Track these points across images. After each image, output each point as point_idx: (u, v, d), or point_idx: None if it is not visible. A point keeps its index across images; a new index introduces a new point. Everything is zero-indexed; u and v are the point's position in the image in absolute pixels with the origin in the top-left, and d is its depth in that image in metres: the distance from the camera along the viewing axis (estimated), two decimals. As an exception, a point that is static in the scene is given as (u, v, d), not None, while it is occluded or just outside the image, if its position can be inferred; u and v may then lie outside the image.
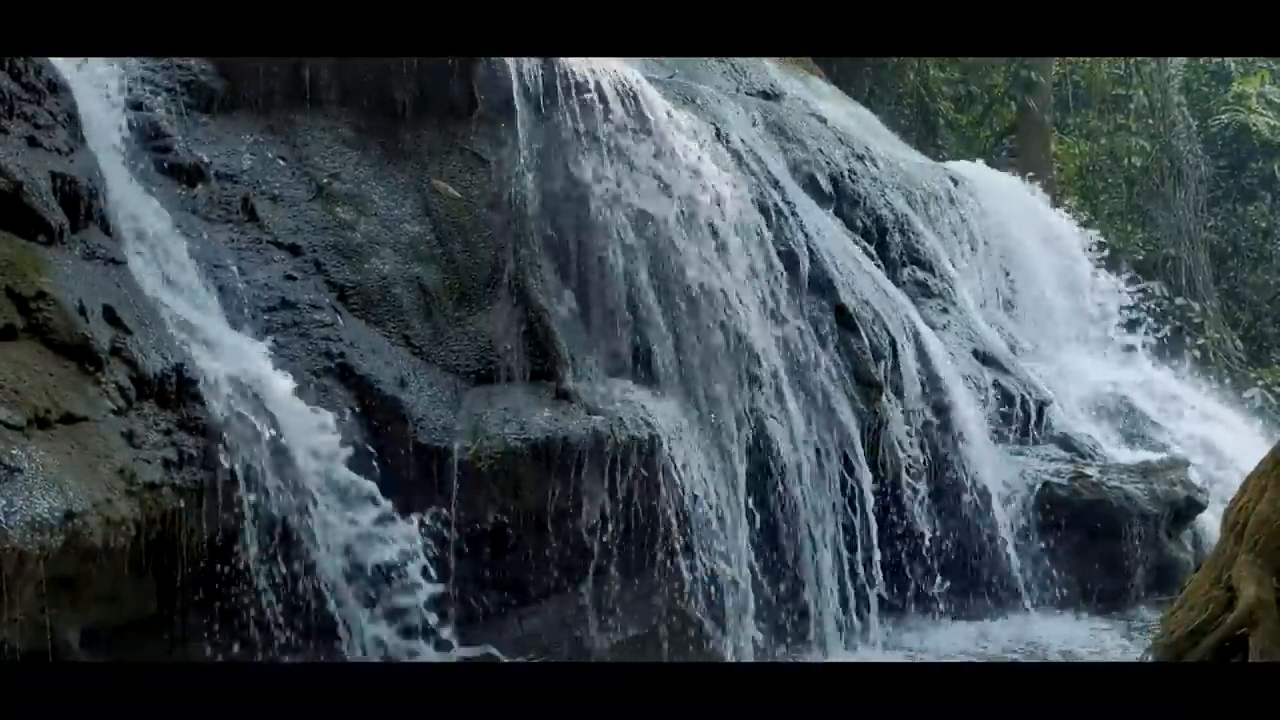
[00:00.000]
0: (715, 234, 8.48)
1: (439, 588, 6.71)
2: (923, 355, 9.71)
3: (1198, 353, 15.56)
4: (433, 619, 6.64)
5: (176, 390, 5.76)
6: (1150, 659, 6.20)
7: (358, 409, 6.82)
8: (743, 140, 9.66)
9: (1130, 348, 13.49)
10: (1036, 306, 12.92)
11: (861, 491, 8.95)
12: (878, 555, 9.12)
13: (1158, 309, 14.82)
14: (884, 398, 9.17)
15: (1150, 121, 19.19)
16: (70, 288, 5.50)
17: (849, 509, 8.89)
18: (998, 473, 9.82)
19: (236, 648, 6.05)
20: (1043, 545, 9.71)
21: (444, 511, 6.86)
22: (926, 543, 9.35)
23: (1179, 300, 16.47)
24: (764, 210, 9.11)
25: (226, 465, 5.79)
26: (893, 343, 9.40)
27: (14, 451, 4.75)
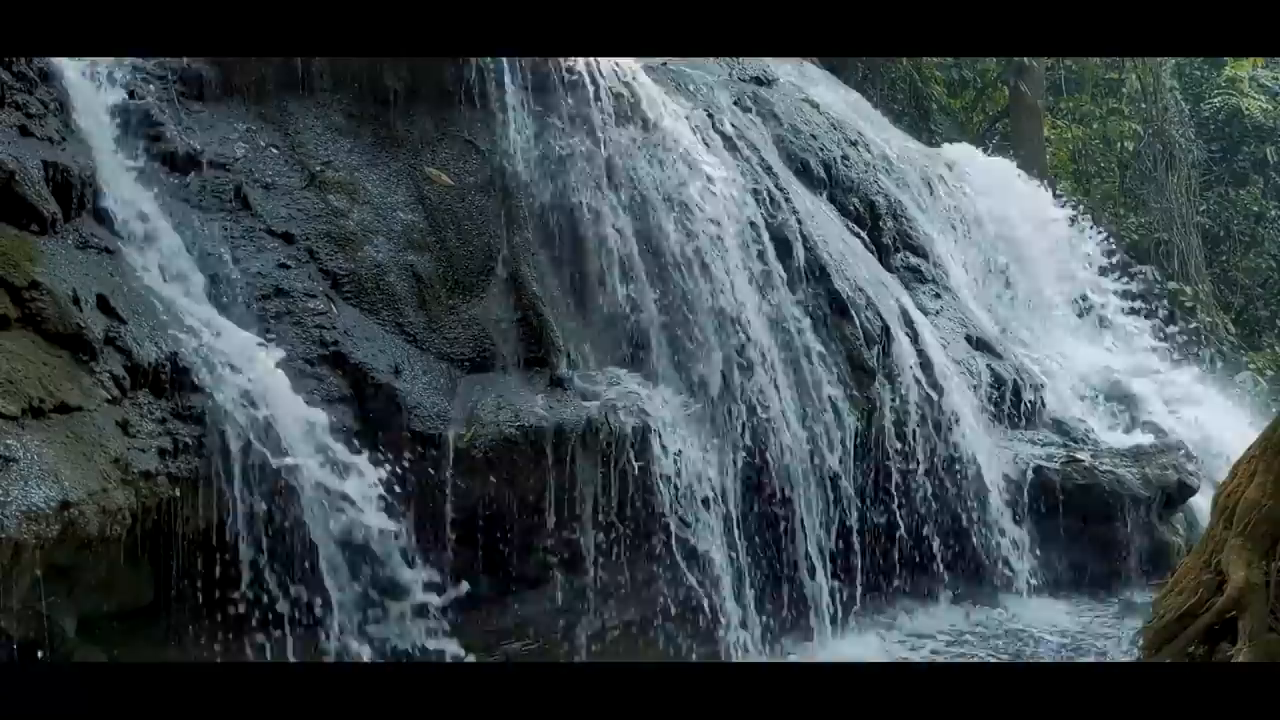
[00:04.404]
0: (708, 221, 8.48)
1: (433, 574, 6.74)
2: (916, 341, 9.73)
3: (1190, 337, 15.58)
4: (426, 606, 6.67)
5: (170, 379, 5.78)
6: (1141, 642, 6.25)
7: (352, 397, 6.83)
8: (735, 126, 9.65)
9: (1123, 332, 13.52)
10: (1029, 291, 12.93)
11: (854, 477, 8.98)
12: (870, 540, 9.17)
13: (1150, 293, 14.83)
14: (877, 383, 9.19)
15: (1143, 105, 19.17)
16: (64, 277, 5.52)
17: (842, 494, 8.92)
18: (991, 457, 9.86)
19: (232, 636, 6.08)
20: (1035, 529, 9.76)
21: (438, 498, 6.88)
22: (918, 527, 9.39)
23: (1171, 284, 16.47)
24: (757, 196, 9.11)
25: (221, 453, 5.81)
26: (885, 328, 9.42)
27: (9, 441, 4.77)
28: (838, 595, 8.70)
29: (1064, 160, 20.58)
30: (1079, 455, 10.06)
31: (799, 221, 9.32)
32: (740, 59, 10.98)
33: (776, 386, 8.48)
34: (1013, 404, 10.51)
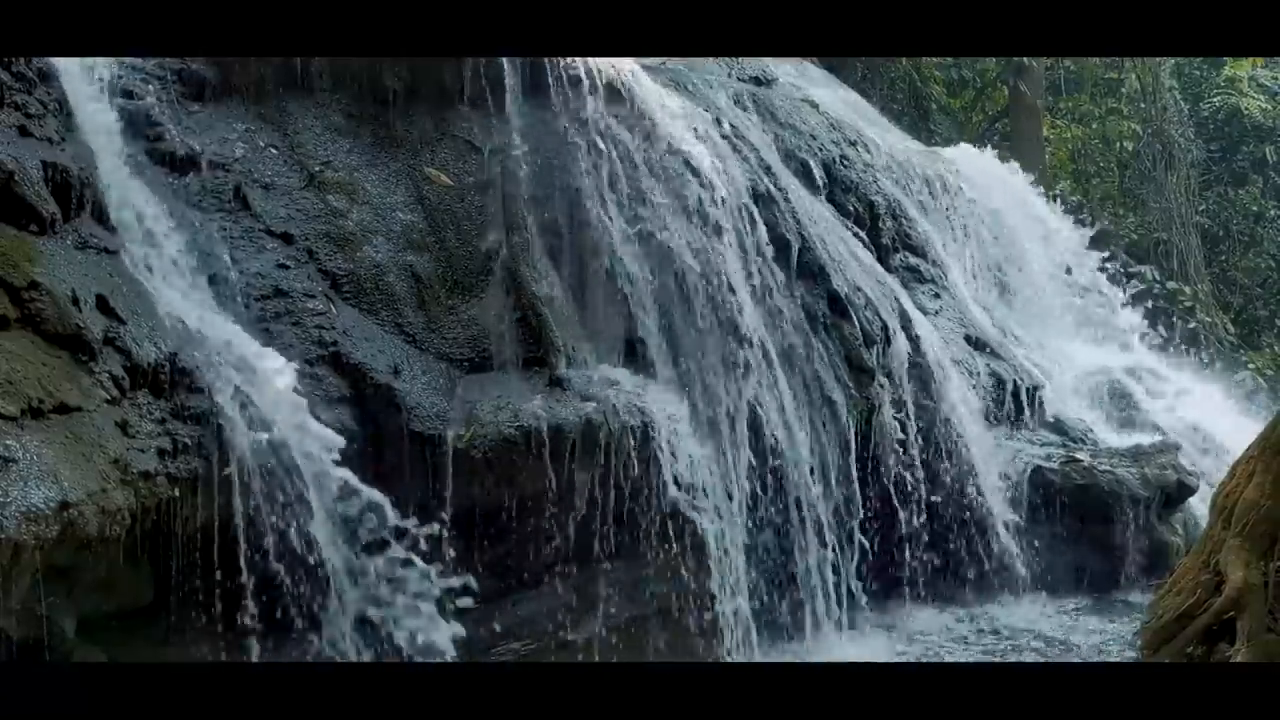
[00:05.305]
0: (707, 221, 8.49)
1: (432, 574, 6.74)
2: (915, 341, 9.74)
3: (1189, 336, 15.59)
4: (425, 605, 6.67)
5: (170, 379, 5.78)
6: (1140, 642, 6.26)
7: (351, 397, 6.82)
8: (734, 127, 9.66)
9: (1122, 332, 13.53)
10: (1028, 291, 12.95)
11: (854, 476, 8.99)
12: (870, 540, 9.17)
13: (1149, 293, 14.84)
14: (876, 383, 9.21)
15: (1142, 105, 19.19)
16: (63, 277, 5.51)
17: (842, 494, 8.93)
18: (990, 457, 9.87)
19: (232, 636, 6.07)
20: (1034, 529, 9.77)
21: (437, 498, 6.88)
22: (919, 527, 9.40)
23: (1170, 284, 16.50)
24: (756, 197, 9.11)
25: (220, 453, 5.81)
26: (885, 328, 9.42)
27: (8, 442, 4.76)
28: (838, 595, 8.71)
29: (1063, 160, 20.59)
30: (1078, 455, 10.07)
31: (798, 221, 9.32)
32: (740, 59, 10.99)
33: (776, 386, 8.48)
34: (1012, 404, 10.52)
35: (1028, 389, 10.67)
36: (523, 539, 7.23)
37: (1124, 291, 13.94)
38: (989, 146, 16.41)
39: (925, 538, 9.43)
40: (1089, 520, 9.82)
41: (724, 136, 9.39)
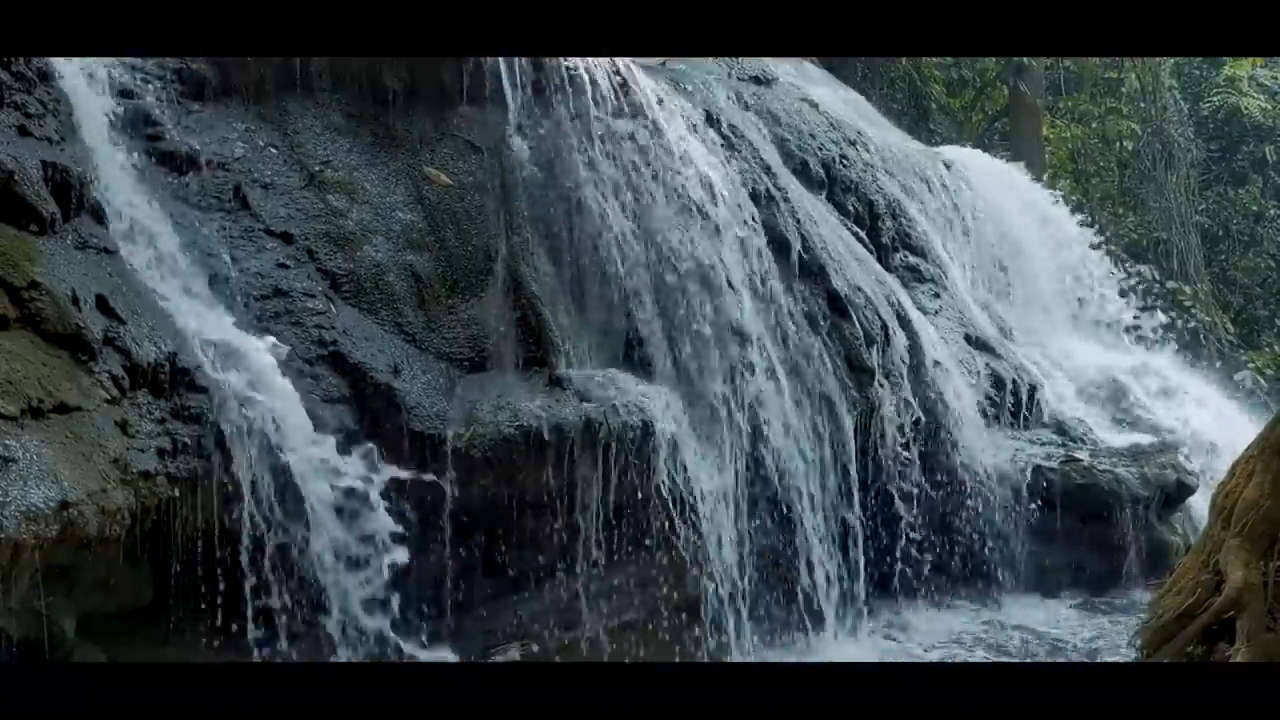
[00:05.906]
0: (707, 220, 8.49)
1: (432, 575, 6.74)
2: (914, 340, 9.74)
3: (1189, 336, 15.59)
4: (425, 607, 6.68)
5: (170, 379, 5.78)
6: (1139, 642, 6.25)
7: (351, 397, 6.82)
8: (734, 126, 9.65)
9: (1122, 331, 13.54)
10: (1028, 290, 12.95)
11: (853, 476, 8.99)
12: (870, 540, 9.18)
13: (1149, 292, 14.85)
14: (876, 383, 9.20)
15: (1142, 105, 19.19)
16: (63, 277, 5.51)
17: (841, 494, 8.93)
18: (989, 457, 9.87)
19: (232, 636, 6.08)
20: (1034, 529, 9.77)
21: (437, 499, 6.88)
22: (918, 527, 9.40)
23: (1170, 284, 16.50)
24: (756, 196, 9.11)
25: (220, 454, 5.81)
26: (885, 328, 9.42)
27: (8, 442, 4.76)
28: (837, 595, 8.71)
29: (1063, 159, 20.59)
30: (1078, 455, 10.07)
31: (798, 221, 9.32)
32: (740, 59, 10.98)
33: (776, 386, 8.48)
34: (1012, 403, 10.52)
35: (1027, 388, 10.68)
36: (522, 539, 7.23)
37: (1124, 291, 13.94)
38: (989, 147, 16.41)
39: (925, 537, 9.43)
40: (1089, 520, 9.82)
41: (723, 136, 9.39)
